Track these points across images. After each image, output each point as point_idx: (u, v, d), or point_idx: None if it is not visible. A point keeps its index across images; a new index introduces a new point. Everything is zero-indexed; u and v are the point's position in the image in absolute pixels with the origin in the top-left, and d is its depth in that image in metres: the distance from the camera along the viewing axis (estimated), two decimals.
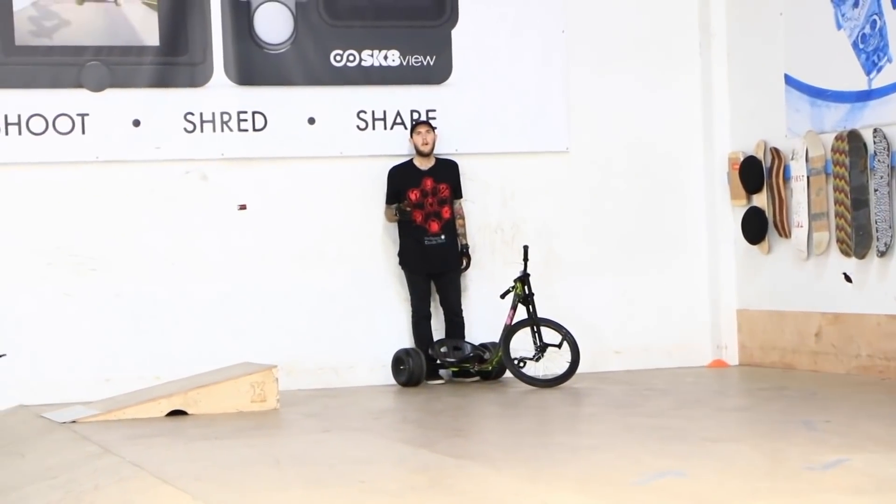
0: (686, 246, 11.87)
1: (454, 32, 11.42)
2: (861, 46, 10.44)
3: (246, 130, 11.06)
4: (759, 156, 11.39)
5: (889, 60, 10.18)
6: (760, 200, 11.43)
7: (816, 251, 10.87)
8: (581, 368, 10.67)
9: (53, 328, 10.67)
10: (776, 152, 11.25)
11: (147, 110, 10.89)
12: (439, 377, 11.10)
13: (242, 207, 11.04)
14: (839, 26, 10.63)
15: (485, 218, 11.48)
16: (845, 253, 10.54)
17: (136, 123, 10.89)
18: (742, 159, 11.53)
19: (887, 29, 10.17)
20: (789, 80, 11.13)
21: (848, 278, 10.60)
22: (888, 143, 10.09)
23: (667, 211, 11.86)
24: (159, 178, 10.94)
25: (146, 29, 10.89)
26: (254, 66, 11.08)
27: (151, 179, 10.93)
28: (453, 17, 11.43)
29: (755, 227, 11.46)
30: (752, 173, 11.43)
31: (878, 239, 10.21)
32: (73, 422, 9.19)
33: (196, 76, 10.98)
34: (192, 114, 10.97)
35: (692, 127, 11.90)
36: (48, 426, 9.16)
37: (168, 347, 10.77)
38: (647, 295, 11.73)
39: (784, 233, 11.22)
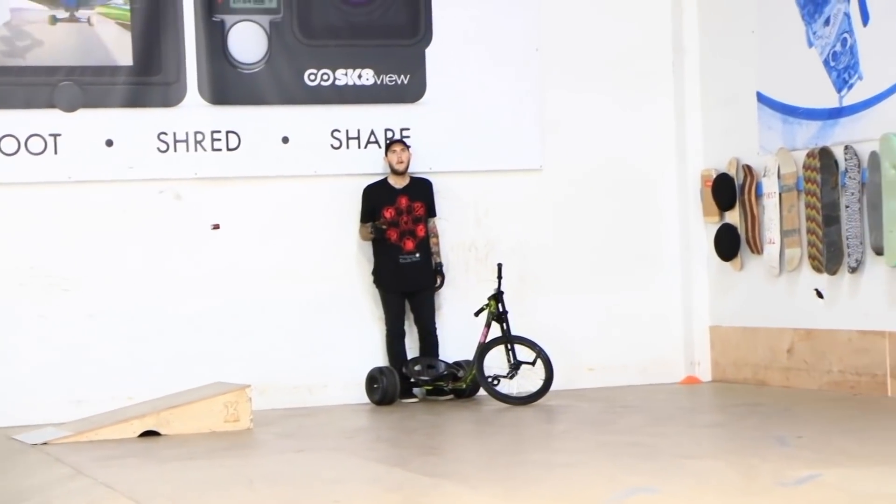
0: (659, 263, 11.91)
1: (428, 51, 11.44)
2: (832, 64, 10.51)
3: (220, 150, 11.05)
4: (732, 173, 11.45)
5: (860, 78, 10.25)
6: (733, 217, 11.48)
7: (788, 267, 10.92)
8: (555, 386, 10.69)
9: (26, 349, 10.62)
10: (748, 169, 11.30)
11: (120, 130, 10.87)
12: (413, 395, 11.09)
13: (216, 227, 11.03)
14: (810, 44, 10.70)
15: (459, 236, 11.50)
16: (817, 269, 10.60)
17: (110, 143, 10.88)
18: (715, 176, 11.58)
19: (858, 47, 10.25)
20: (761, 98, 11.20)
21: (820, 294, 10.65)
22: (859, 160, 10.16)
23: (640, 228, 11.90)
24: (132, 198, 10.92)
25: (119, 49, 10.88)
26: (228, 85, 11.08)
27: (124, 199, 10.91)
28: (427, 36, 11.46)
29: (728, 244, 11.50)
30: (724, 190, 11.48)
31: (849, 255, 10.27)
32: (45, 443, 9.16)
33: (169, 96, 10.98)
34: (166, 133, 10.96)
35: (665, 144, 11.95)
36: (19, 448, 9.12)
37: (141, 368, 10.73)
38: (620, 312, 11.76)
39: (756, 249, 11.27)
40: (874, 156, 9.99)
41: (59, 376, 10.62)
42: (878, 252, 9.99)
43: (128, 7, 10.88)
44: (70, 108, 10.79)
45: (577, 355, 11.56)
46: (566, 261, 11.72)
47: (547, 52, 11.70)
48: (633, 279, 11.82)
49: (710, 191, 11.61)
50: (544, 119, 11.67)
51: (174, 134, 10.96)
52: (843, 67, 10.39)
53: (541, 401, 10.56)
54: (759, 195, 11.20)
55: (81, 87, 10.80)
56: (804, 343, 10.82)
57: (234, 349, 10.93)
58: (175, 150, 10.96)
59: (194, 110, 11.00)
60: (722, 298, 11.74)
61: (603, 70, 11.82)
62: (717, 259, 11.63)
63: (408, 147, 11.17)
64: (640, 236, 11.88)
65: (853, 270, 10.24)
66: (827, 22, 10.53)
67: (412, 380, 10.99)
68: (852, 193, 10.18)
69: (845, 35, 10.36)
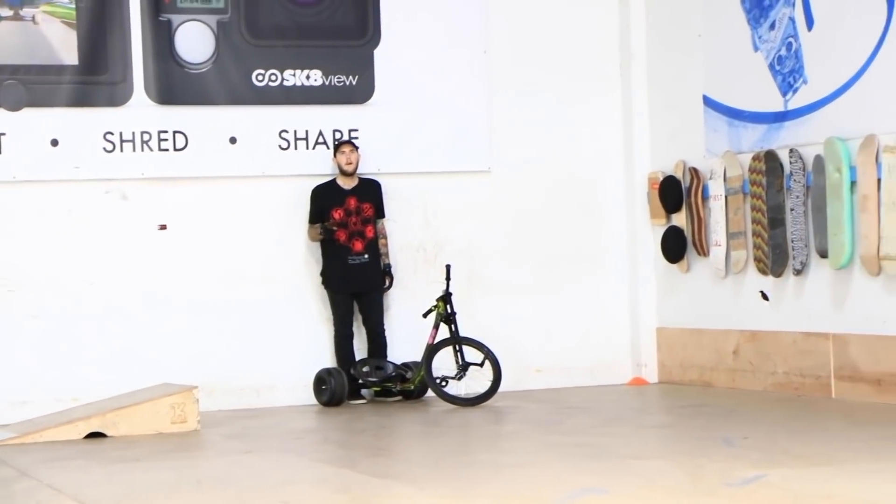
0: (606, 264, 11.96)
1: (376, 52, 11.44)
2: (777, 68, 10.60)
3: (167, 150, 10.99)
4: (679, 175, 11.52)
5: (804, 82, 10.34)
6: (679, 219, 11.55)
7: (734, 269, 11.00)
8: (503, 387, 10.71)
9: None
10: (695, 172, 11.37)
11: (65, 130, 10.79)
12: (361, 397, 11.08)
13: (163, 227, 10.97)
14: (756, 48, 10.79)
15: (407, 237, 11.50)
16: (762, 271, 10.68)
17: (55, 143, 10.79)
18: (661, 179, 11.65)
19: (803, 51, 10.34)
20: (707, 101, 11.27)
21: (765, 296, 10.73)
22: (804, 164, 10.25)
23: (587, 230, 11.94)
24: (78, 199, 10.84)
25: (65, 48, 10.80)
26: (174, 85, 11.02)
27: (70, 199, 10.83)
28: (375, 38, 11.45)
29: (674, 246, 11.57)
30: (671, 193, 11.55)
31: (794, 258, 10.35)
32: None
33: (116, 95, 10.90)
34: (112, 133, 10.88)
35: (612, 147, 12.00)
36: None
37: (86, 369, 10.65)
38: (567, 313, 11.80)
39: (703, 251, 11.34)
40: (819, 159, 10.08)
41: (2, 378, 10.52)
42: (823, 255, 10.08)
43: (73, 6, 10.80)
44: (14, 107, 10.69)
45: (524, 357, 11.59)
46: (514, 262, 11.75)
47: (495, 54, 11.72)
48: (580, 281, 11.86)
49: (656, 193, 11.68)
50: (492, 121, 11.69)
51: (120, 134, 10.89)
52: (788, 71, 10.48)
53: (489, 402, 10.58)
54: (705, 198, 11.27)
55: (26, 85, 10.71)
56: (749, 345, 10.90)
57: (181, 350, 10.88)
58: (121, 150, 10.89)
59: (141, 110, 10.93)
60: (668, 300, 11.81)
61: (551, 73, 11.86)
62: (664, 261, 11.70)
63: (356, 148, 11.16)
64: (587, 238, 11.92)
65: (798, 273, 10.33)
66: (772, 26, 10.62)
67: (360, 381, 10.97)
68: (797, 196, 10.27)
69: (790, 39, 10.45)
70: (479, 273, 11.64)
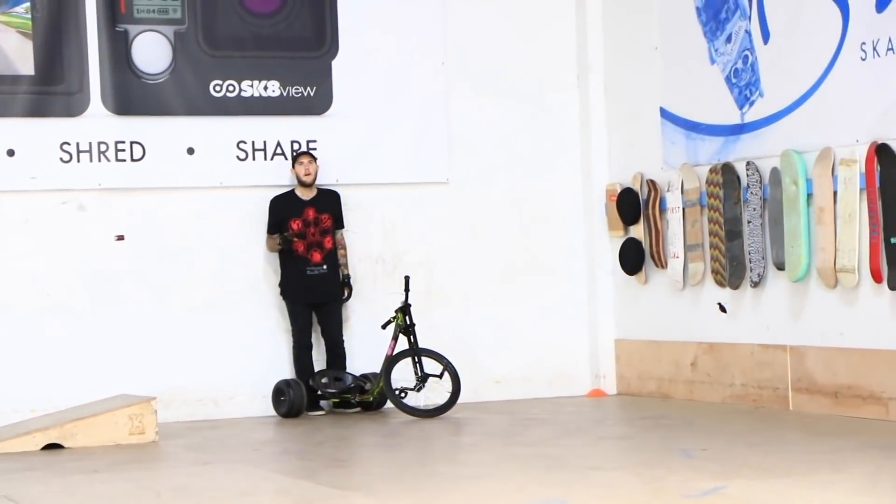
0: (565, 276, 11.99)
1: (334, 63, 11.43)
2: (734, 81, 10.67)
3: (124, 160, 10.94)
4: (636, 187, 11.56)
5: (761, 95, 10.41)
6: (637, 231, 11.60)
7: (692, 281, 11.05)
8: (462, 398, 10.71)
9: None
10: (652, 184, 11.43)
11: (22, 140, 10.72)
12: (320, 408, 11.05)
13: (120, 238, 10.91)
14: (713, 61, 10.86)
15: (366, 248, 11.49)
16: (720, 283, 10.74)
17: (11, 153, 10.71)
18: (619, 191, 11.70)
19: (759, 64, 10.41)
20: (665, 114, 11.33)
21: (722, 308, 10.79)
22: (760, 176, 10.31)
23: (546, 241, 11.97)
24: (34, 209, 10.77)
25: (21, 58, 10.72)
26: (132, 95, 10.97)
27: (26, 210, 10.75)
28: (333, 48, 11.44)
29: (632, 258, 11.61)
30: (629, 205, 11.59)
31: (751, 270, 10.42)
32: None
33: (72, 106, 10.84)
34: (69, 143, 10.82)
35: (570, 159, 12.04)
36: None
37: (44, 379, 10.57)
38: (526, 325, 11.82)
39: (660, 263, 11.39)
40: (775, 172, 10.15)
41: None
42: (780, 267, 10.14)
43: (29, 16, 10.73)
44: None
45: (483, 368, 11.60)
46: (473, 274, 11.76)
47: (453, 65, 11.74)
48: (539, 292, 11.89)
49: (614, 205, 11.72)
50: (450, 132, 11.71)
51: (77, 144, 10.83)
52: (744, 84, 10.55)
53: (448, 413, 10.58)
54: (662, 210, 11.33)
55: None
56: (707, 356, 10.96)
57: (139, 361, 10.81)
58: (78, 161, 10.83)
59: (98, 120, 10.87)
60: (627, 312, 11.85)
61: (509, 84, 11.89)
62: (622, 273, 11.74)
63: (315, 159, 11.14)
64: (545, 250, 11.95)
65: (755, 285, 10.39)
66: (729, 39, 10.69)
67: (319, 392, 10.95)
68: (754, 209, 10.34)
69: (746, 52, 10.52)
70: (439, 284, 11.65)
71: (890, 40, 9.32)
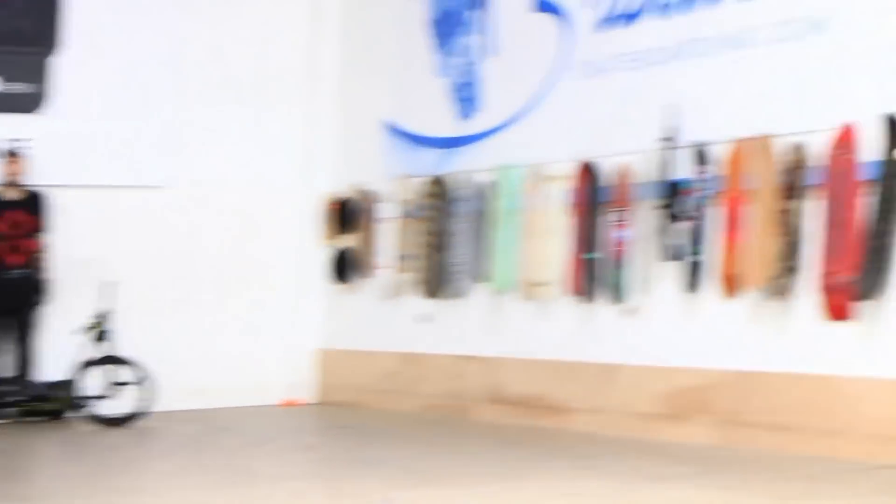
0: (273, 284, 11.87)
1: (54, 60, 11.05)
2: (458, 94, 10.76)
3: None
4: (355, 197, 11.53)
5: (480, 109, 10.52)
6: (351, 241, 11.56)
7: (398, 292, 11.06)
8: (158, 407, 10.46)
9: None
10: (370, 195, 11.41)
11: None
12: (4, 417, 10.60)
13: None
14: (441, 74, 10.91)
15: (70, 252, 11.07)
16: (425, 294, 10.78)
17: None
18: (337, 200, 11.64)
19: (482, 79, 10.51)
20: (390, 126, 11.34)
21: (424, 319, 10.83)
22: (473, 189, 10.40)
23: (258, 249, 11.84)
24: None
25: None
26: None
27: None
28: (55, 46, 11.06)
29: (343, 267, 11.59)
30: (345, 214, 11.56)
31: (455, 281, 10.50)
32: None
33: None
34: None
35: (292, 167, 11.94)
36: None
37: None
38: (227, 334, 11.64)
39: (370, 273, 11.38)
40: (487, 186, 10.26)
41: None
42: (484, 279, 10.25)
43: None
44: None
45: (183, 378, 11.31)
46: (180, 280, 11.52)
47: (179, 67, 11.47)
48: (246, 300, 11.74)
49: (331, 214, 11.66)
50: (170, 135, 11.44)
51: None
52: (466, 98, 10.65)
53: (140, 423, 10.30)
54: (377, 220, 11.31)
55: None
56: (407, 366, 10.98)
57: None
58: None
59: None
60: (334, 321, 11.80)
61: (235, 89, 11.73)
62: (332, 282, 11.68)
63: (23, 158, 10.73)
64: (257, 257, 11.81)
65: (458, 296, 10.47)
66: (456, 53, 10.77)
67: (3, 400, 10.50)
68: (464, 221, 10.42)
69: (471, 66, 10.62)
70: (141, 291, 11.33)
71: (604, 62, 9.53)
